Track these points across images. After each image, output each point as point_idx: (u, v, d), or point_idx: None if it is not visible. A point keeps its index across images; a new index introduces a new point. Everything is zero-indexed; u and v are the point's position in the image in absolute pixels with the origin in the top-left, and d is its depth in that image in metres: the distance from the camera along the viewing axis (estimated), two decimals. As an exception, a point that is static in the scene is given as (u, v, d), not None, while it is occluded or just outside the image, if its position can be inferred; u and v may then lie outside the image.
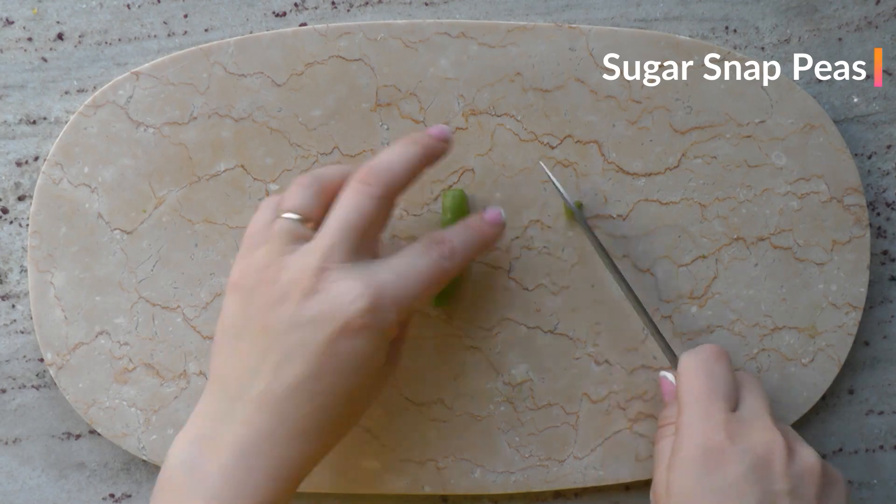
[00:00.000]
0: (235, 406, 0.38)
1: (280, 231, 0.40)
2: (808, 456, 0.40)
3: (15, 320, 0.49)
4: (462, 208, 0.46)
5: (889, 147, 0.50)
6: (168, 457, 0.38)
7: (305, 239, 0.39)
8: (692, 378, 0.42)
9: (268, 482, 0.37)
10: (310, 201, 0.40)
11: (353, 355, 0.37)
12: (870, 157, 0.50)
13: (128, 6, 0.48)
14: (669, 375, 0.46)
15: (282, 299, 0.38)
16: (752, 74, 0.47)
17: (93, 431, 0.49)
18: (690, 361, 0.43)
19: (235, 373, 0.38)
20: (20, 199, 0.49)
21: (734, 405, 0.42)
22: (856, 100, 0.49)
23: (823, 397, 0.49)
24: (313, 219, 0.40)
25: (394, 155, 0.40)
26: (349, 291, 0.37)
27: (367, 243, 0.40)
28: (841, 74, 0.49)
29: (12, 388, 0.49)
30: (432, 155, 0.42)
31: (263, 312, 0.38)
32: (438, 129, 0.42)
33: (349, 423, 0.40)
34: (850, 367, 0.50)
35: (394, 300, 0.38)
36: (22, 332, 0.49)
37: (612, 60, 0.47)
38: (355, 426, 0.42)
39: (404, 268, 0.39)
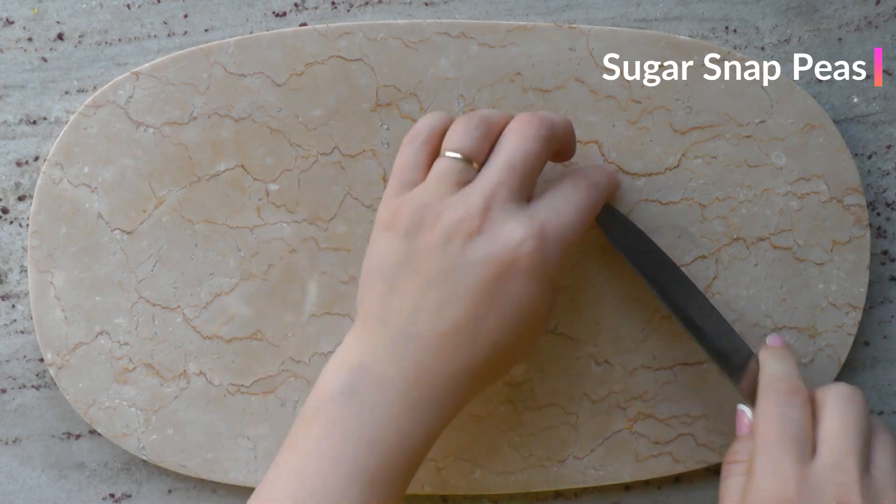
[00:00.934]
0: (398, 342, 0.38)
1: (443, 170, 0.40)
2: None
3: (15, 320, 0.49)
4: None
5: (889, 147, 0.50)
6: (323, 384, 0.39)
7: (467, 180, 0.40)
8: (769, 421, 0.40)
9: (431, 418, 0.38)
10: (473, 143, 0.40)
11: (519, 297, 0.38)
12: (870, 157, 0.50)
13: (128, 6, 0.48)
14: (748, 411, 0.43)
15: (446, 240, 0.38)
16: (752, 74, 0.47)
17: (93, 431, 0.49)
18: (769, 404, 0.41)
19: (396, 310, 0.39)
20: (20, 199, 0.49)
21: (810, 453, 0.39)
22: (856, 100, 0.49)
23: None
24: (477, 160, 0.40)
25: (553, 114, 0.42)
26: (516, 232, 0.38)
27: (529, 186, 0.40)
28: (841, 74, 0.49)
29: (12, 388, 0.49)
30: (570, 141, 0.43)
31: (426, 252, 0.38)
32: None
33: (501, 371, 0.40)
34: (850, 367, 0.50)
35: (556, 238, 0.39)
36: (22, 332, 0.49)
37: (612, 60, 0.47)
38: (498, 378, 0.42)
39: (563, 205, 0.40)
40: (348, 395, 0.38)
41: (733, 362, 0.44)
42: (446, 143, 0.41)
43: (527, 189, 0.40)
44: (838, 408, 0.40)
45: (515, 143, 0.40)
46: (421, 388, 0.38)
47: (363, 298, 0.40)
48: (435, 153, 0.41)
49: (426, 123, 0.42)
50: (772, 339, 0.45)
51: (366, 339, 0.39)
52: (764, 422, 0.40)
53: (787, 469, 0.38)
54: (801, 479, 0.38)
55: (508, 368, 0.41)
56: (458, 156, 0.40)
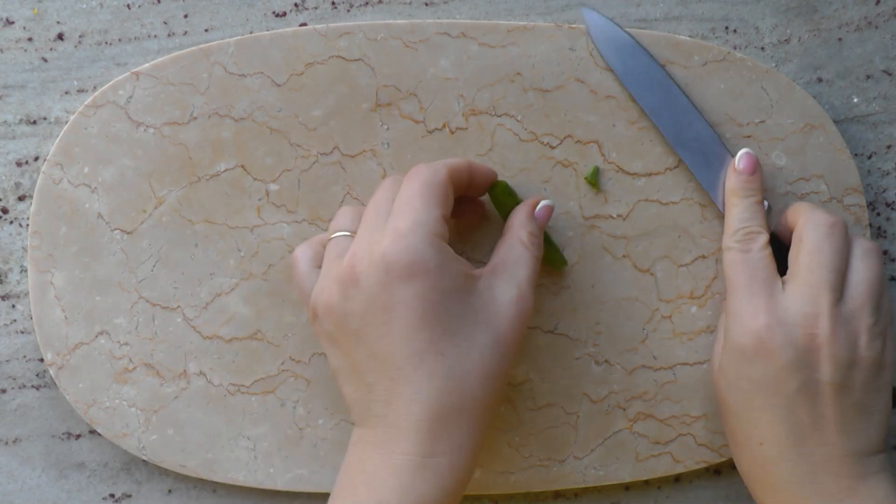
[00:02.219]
0: (372, 407, 0.39)
1: (331, 249, 0.42)
2: (861, 344, 0.40)
3: (15, 320, 0.49)
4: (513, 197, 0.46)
5: (889, 147, 0.50)
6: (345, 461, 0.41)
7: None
8: (733, 269, 0.43)
9: (433, 457, 0.39)
10: (354, 221, 0.43)
11: (413, 294, 0.38)
12: (870, 157, 0.50)
13: (128, 6, 0.48)
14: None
15: (340, 308, 0.40)
16: (751, 74, 0.47)
17: (93, 431, 0.49)
18: (732, 254, 0.44)
19: (351, 389, 0.40)
20: (20, 199, 0.49)
21: (781, 288, 0.42)
22: (856, 100, 0.49)
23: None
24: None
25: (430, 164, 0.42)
26: (373, 251, 0.39)
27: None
28: (841, 74, 0.49)
29: (12, 388, 0.49)
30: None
31: (337, 331, 0.40)
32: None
33: (483, 357, 0.39)
34: (850, 367, 0.50)
35: (407, 228, 0.38)
36: (22, 332, 0.49)
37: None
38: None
39: (398, 203, 0.40)
40: (360, 467, 0.39)
41: (713, 172, 0.46)
42: (329, 228, 0.43)
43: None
44: (813, 241, 0.42)
45: (367, 209, 0.42)
46: (408, 438, 0.39)
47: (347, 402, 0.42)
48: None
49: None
50: (741, 162, 0.45)
51: (359, 425, 0.41)
52: (729, 270, 0.43)
53: (756, 307, 0.41)
54: (771, 314, 0.41)
55: (496, 368, 0.40)
56: (344, 233, 0.42)
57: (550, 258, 0.47)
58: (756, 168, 0.45)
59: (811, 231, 0.42)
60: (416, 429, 0.38)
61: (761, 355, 0.41)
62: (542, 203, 0.44)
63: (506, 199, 0.45)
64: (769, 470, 0.41)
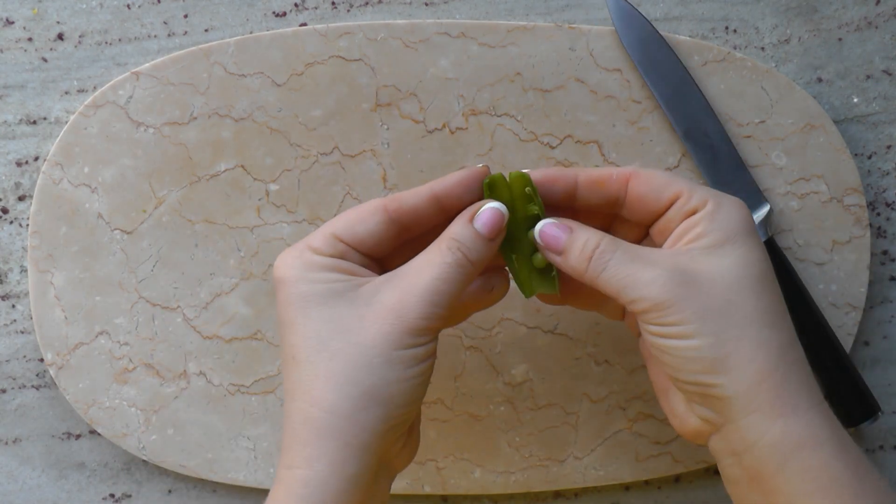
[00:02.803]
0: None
1: None
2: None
3: (15, 320, 0.49)
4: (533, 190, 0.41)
5: (889, 147, 0.50)
6: None
7: None
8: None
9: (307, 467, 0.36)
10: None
11: (280, 303, 0.37)
12: (870, 157, 0.50)
13: (128, 6, 0.48)
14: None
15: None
16: (751, 74, 0.47)
17: (93, 431, 0.49)
18: None
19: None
20: (20, 199, 0.49)
21: None
22: (856, 100, 0.49)
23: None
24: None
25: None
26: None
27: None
28: (841, 74, 0.49)
29: (12, 388, 0.49)
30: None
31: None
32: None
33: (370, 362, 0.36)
34: (850, 367, 0.50)
35: (284, 256, 0.37)
36: (22, 332, 0.49)
37: (612, 60, 0.47)
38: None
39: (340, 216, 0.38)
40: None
41: (719, 170, 0.45)
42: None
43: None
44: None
45: None
46: (285, 455, 0.36)
47: None
48: None
49: None
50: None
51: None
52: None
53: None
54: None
55: (389, 376, 0.36)
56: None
57: (534, 284, 0.40)
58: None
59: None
60: (285, 435, 0.37)
61: None
62: (487, 206, 0.37)
63: (505, 194, 0.38)
64: None
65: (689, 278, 0.36)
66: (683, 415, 0.38)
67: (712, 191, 0.38)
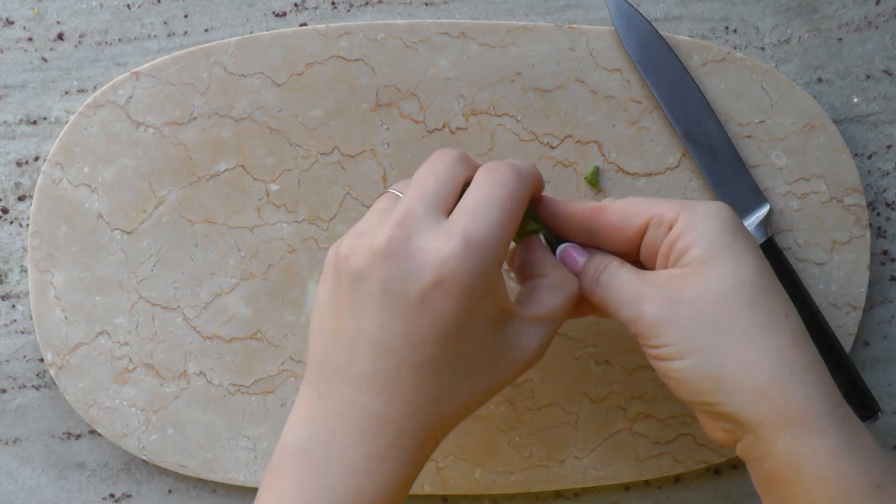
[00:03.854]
0: (341, 387, 0.36)
1: (377, 206, 0.38)
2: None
3: (15, 320, 0.49)
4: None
5: (889, 147, 0.50)
6: (283, 438, 0.37)
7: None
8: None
9: (391, 471, 0.36)
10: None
11: (453, 320, 0.35)
12: (870, 157, 0.50)
13: (128, 6, 0.48)
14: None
15: (365, 272, 0.35)
16: (751, 74, 0.47)
17: (93, 431, 0.49)
18: None
19: (333, 354, 0.36)
20: (20, 199, 0.49)
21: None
22: (856, 100, 0.49)
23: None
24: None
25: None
26: (429, 247, 0.34)
27: (445, 200, 0.36)
28: (841, 74, 0.49)
29: (12, 388, 0.49)
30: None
31: (347, 286, 0.36)
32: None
33: (469, 406, 0.37)
34: (850, 367, 0.50)
35: (481, 244, 0.35)
36: (22, 332, 0.49)
37: (612, 60, 0.47)
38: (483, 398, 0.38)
39: (475, 204, 0.36)
40: (305, 451, 0.36)
41: (720, 170, 0.44)
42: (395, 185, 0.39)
43: (444, 203, 0.36)
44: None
45: (422, 170, 0.38)
46: (373, 438, 0.35)
47: (309, 345, 0.38)
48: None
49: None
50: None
51: (314, 390, 0.37)
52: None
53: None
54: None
55: (478, 402, 0.37)
56: (397, 192, 0.38)
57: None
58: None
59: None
60: (380, 429, 0.35)
61: None
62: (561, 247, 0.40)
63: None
64: None
65: (677, 297, 0.36)
66: (709, 425, 0.39)
67: (685, 202, 0.38)
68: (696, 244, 0.36)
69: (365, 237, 0.36)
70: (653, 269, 0.39)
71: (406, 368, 0.35)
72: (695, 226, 0.37)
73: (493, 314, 0.36)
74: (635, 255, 0.40)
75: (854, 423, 0.36)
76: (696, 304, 0.36)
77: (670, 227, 0.37)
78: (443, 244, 0.35)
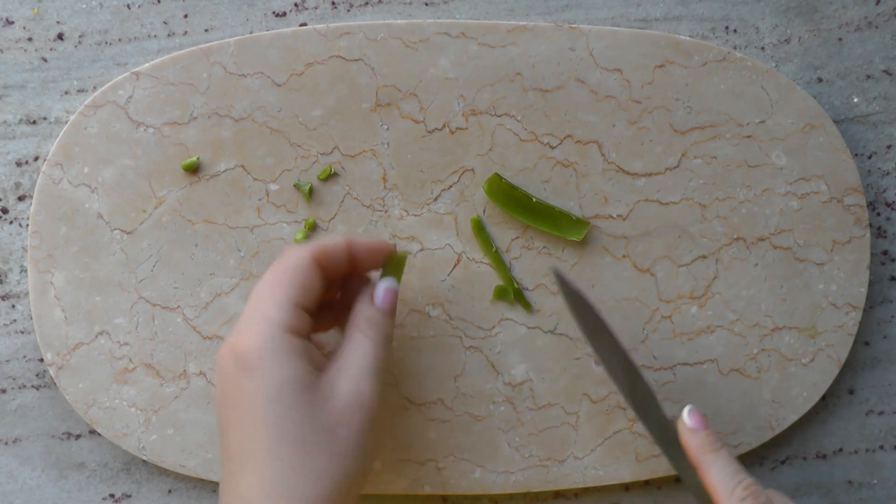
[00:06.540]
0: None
1: None
2: None
3: (15, 320, 0.49)
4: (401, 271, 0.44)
5: (889, 147, 0.50)
6: None
7: None
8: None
9: None
10: None
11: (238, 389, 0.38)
12: (870, 157, 0.50)
13: (128, 6, 0.48)
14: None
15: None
16: (751, 74, 0.47)
17: (93, 431, 0.49)
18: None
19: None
20: (20, 199, 0.49)
21: None
22: (856, 100, 0.49)
23: (823, 397, 0.49)
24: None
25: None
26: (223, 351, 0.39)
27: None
28: (841, 74, 0.49)
29: (12, 388, 0.49)
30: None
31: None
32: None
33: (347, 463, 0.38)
34: (850, 368, 0.50)
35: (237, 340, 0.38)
36: (22, 332, 0.49)
37: (612, 60, 0.47)
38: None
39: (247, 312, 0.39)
40: None
41: (663, 434, 0.43)
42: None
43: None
44: None
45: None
46: None
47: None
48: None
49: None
50: (692, 418, 0.42)
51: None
52: None
53: None
54: None
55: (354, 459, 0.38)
56: None
57: (563, 227, 0.47)
58: (705, 418, 0.43)
59: None
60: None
61: None
62: (383, 286, 0.42)
63: (398, 273, 0.43)
64: None
65: None
66: None
67: None
68: None
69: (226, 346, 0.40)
70: None
71: (244, 455, 0.38)
72: None
73: (298, 377, 0.38)
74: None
75: None
76: None
77: None
78: (232, 333, 0.39)
